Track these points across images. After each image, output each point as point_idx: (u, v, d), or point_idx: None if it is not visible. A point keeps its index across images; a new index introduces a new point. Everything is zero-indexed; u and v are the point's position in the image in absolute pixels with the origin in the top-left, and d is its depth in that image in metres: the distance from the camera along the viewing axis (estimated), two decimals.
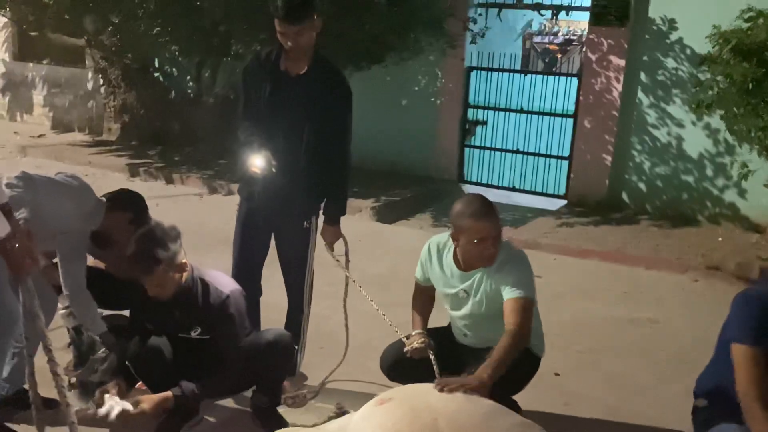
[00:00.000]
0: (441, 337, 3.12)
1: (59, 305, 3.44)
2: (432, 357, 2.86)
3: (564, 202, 7.93)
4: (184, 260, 3.05)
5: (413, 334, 3.02)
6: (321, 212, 3.63)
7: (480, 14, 8.02)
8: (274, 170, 3.29)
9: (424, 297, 3.23)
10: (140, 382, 3.23)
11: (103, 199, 3.36)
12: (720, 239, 6.57)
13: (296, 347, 3.70)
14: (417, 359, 2.94)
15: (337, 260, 3.61)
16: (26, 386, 3.29)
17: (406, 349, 2.96)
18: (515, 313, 2.76)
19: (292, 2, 3.17)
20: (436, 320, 3.31)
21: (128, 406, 2.92)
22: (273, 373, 3.18)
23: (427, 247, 3.18)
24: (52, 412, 3.24)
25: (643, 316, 4.93)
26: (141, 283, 3.03)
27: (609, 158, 7.59)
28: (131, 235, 3.18)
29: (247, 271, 3.62)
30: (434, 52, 8.09)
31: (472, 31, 8.00)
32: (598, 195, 7.63)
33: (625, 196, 7.64)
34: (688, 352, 4.27)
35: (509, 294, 2.81)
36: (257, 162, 3.30)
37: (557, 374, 3.97)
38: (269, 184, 3.38)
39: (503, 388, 2.71)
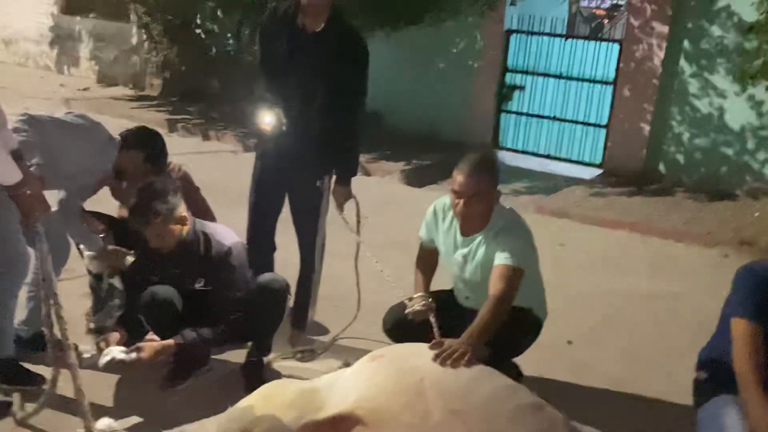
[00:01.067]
0: (444, 300, 3.13)
1: (85, 251, 3.54)
2: (433, 320, 2.88)
3: (600, 171, 7.80)
4: (184, 213, 3.11)
5: (415, 296, 3.03)
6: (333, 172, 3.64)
7: None
8: (284, 128, 3.30)
9: (427, 259, 3.23)
10: (150, 332, 3.31)
11: (117, 137, 3.38)
12: (757, 214, 6.40)
13: (308, 302, 3.77)
14: (419, 321, 2.96)
15: (346, 221, 3.62)
16: (43, 328, 3.43)
17: (407, 311, 2.98)
18: (500, 279, 2.76)
19: None
20: (441, 283, 3.32)
21: (123, 356, 2.99)
22: (266, 317, 3.21)
23: (432, 209, 3.17)
24: (65, 354, 3.37)
25: (666, 290, 4.87)
26: (144, 235, 3.10)
27: (647, 128, 7.42)
28: (146, 174, 3.28)
29: (261, 227, 3.68)
30: (473, 13, 7.95)
31: None
32: (635, 165, 7.49)
33: (661, 167, 7.48)
34: (708, 327, 4.18)
35: (499, 260, 2.81)
36: (267, 119, 3.33)
37: (570, 342, 3.96)
38: (282, 142, 3.40)
39: (500, 349, 2.73)
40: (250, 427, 2.07)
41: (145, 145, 3.46)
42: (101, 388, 3.21)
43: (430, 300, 2.99)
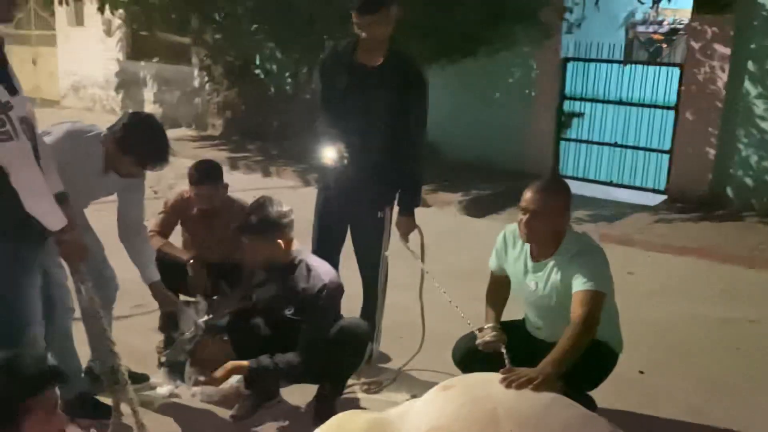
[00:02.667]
0: (514, 331, 3.07)
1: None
2: (504, 351, 2.83)
3: (664, 197, 7.63)
4: (283, 240, 3.17)
5: (485, 327, 2.98)
6: (396, 203, 3.66)
7: (577, 3, 7.82)
8: (345, 161, 3.35)
9: (498, 289, 3.19)
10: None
11: (100, 131, 3.17)
12: None
13: (373, 334, 3.76)
14: (489, 352, 2.92)
15: (412, 251, 3.63)
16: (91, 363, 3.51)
17: (477, 342, 2.93)
18: (582, 304, 2.68)
19: None
20: (512, 314, 3.28)
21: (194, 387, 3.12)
22: (344, 361, 3.20)
23: (502, 235, 3.14)
24: (140, 387, 3.44)
25: (739, 316, 4.70)
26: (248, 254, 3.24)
27: (712, 152, 7.24)
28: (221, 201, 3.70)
29: (325, 259, 3.69)
30: (528, 43, 7.95)
31: (567, 20, 7.82)
32: (700, 190, 7.30)
33: (729, 191, 7.27)
34: None
35: (578, 286, 2.73)
36: (329, 154, 3.37)
37: (641, 372, 3.85)
38: (344, 175, 3.45)
39: (576, 383, 2.66)
40: None
41: (219, 175, 3.79)
42: (170, 422, 3.27)
43: (501, 331, 2.94)
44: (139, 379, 3.51)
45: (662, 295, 5.10)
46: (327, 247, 3.72)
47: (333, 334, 3.13)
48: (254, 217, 3.14)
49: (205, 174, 3.86)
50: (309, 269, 3.19)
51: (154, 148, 3.08)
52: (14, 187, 2.46)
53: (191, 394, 3.42)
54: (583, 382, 2.87)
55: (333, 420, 2.27)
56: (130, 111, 3.29)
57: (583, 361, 2.64)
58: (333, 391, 3.27)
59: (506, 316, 3.22)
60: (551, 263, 2.89)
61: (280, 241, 3.14)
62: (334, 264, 3.74)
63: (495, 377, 2.34)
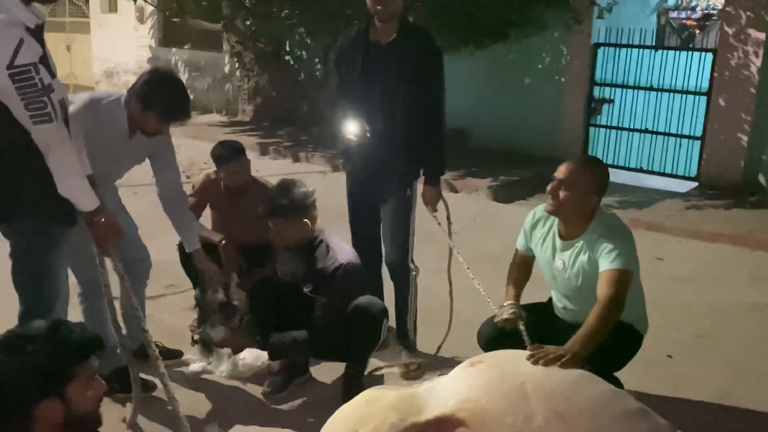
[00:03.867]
0: (540, 312, 3.10)
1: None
2: (522, 328, 2.84)
3: (695, 184, 7.57)
4: (307, 220, 3.26)
5: (505, 304, 3.01)
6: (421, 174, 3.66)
7: None
8: (368, 134, 3.39)
9: (521, 267, 3.20)
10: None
11: (120, 95, 3.18)
12: None
13: (407, 317, 3.79)
14: (513, 334, 2.93)
15: (439, 223, 3.65)
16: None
17: (496, 319, 2.96)
18: (609, 283, 2.68)
19: None
20: (537, 296, 3.30)
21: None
22: (360, 340, 3.26)
23: (532, 214, 3.14)
24: (174, 362, 3.54)
25: None
26: (274, 235, 3.33)
27: (745, 138, 7.16)
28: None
29: (363, 242, 3.75)
30: (559, 28, 7.90)
31: (599, 5, 7.75)
32: (732, 177, 7.23)
33: (761, 178, 7.19)
34: None
35: (605, 265, 2.73)
36: (351, 128, 3.42)
37: (670, 356, 3.85)
38: (368, 155, 3.49)
39: (601, 364, 2.67)
40: (356, 427, 2.11)
41: (244, 152, 3.94)
42: (202, 398, 3.35)
43: (519, 308, 2.96)
44: (173, 355, 3.60)
45: (692, 280, 5.08)
46: (363, 230, 3.77)
47: (348, 312, 3.20)
48: (279, 199, 3.23)
49: (234, 151, 3.98)
50: (328, 249, 3.26)
51: (176, 101, 3.09)
52: (48, 168, 2.50)
53: (222, 371, 3.51)
54: (608, 363, 2.86)
55: (362, 394, 2.32)
56: (149, 68, 3.28)
57: (608, 342, 2.64)
58: (357, 369, 3.34)
59: (532, 298, 3.24)
60: (579, 243, 2.89)
61: (306, 220, 3.23)
62: (375, 246, 3.79)
63: (523, 354, 2.37)
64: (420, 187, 3.69)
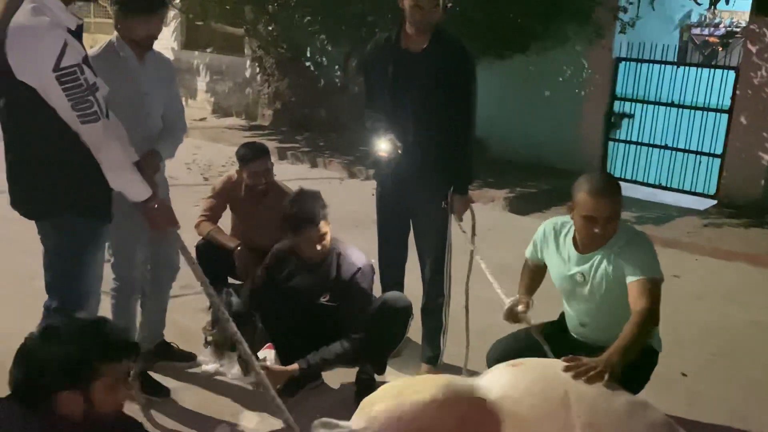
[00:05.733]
0: (553, 330, 3.05)
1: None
2: (540, 338, 2.79)
3: (713, 202, 7.51)
4: (329, 225, 3.27)
5: (517, 296, 3.01)
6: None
7: (631, 3, 7.73)
8: (399, 152, 3.34)
9: (533, 272, 3.16)
10: (269, 343, 3.43)
11: (109, 39, 3.12)
12: None
13: (440, 332, 3.70)
14: (527, 352, 2.81)
15: (464, 231, 3.57)
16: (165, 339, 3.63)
17: (505, 309, 2.98)
18: (641, 295, 2.62)
19: None
20: (547, 314, 3.26)
21: (252, 377, 3.13)
22: (386, 335, 3.26)
23: (543, 228, 3.07)
24: (188, 365, 3.55)
25: None
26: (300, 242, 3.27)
27: (766, 157, 7.14)
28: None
29: (390, 251, 3.73)
30: (580, 41, 7.89)
31: (621, 20, 7.73)
32: (753, 195, 7.17)
33: None
34: None
35: (635, 276, 2.67)
36: (382, 146, 3.36)
37: (684, 375, 3.81)
38: (400, 166, 3.42)
39: (624, 383, 2.63)
40: (403, 390, 2.15)
41: (268, 153, 4.01)
42: (214, 398, 3.37)
43: (532, 302, 2.96)
44: (186, 358, 3.61)
45: (708, 299, 5.03)
46: (392, 243, 3.73)
47: (375, 309, 3.20)
48: (306, 206, 3.22)
49: (258, 151, 4.03)
50: (340, 256, 3.26)
51: None
52: (85, 164, 2.52)
53: (234, 374, 3.50)
54: (630, 382, 2.79)
55: (399, 381, 2.32)
56: None
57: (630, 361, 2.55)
58: (375, 370, 3.34)
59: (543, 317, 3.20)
60: (598, 256, 2.82)
61: (324, 232, 3.23)
62: (402, 258, 3.77)
63: (557, 363, 2.34)
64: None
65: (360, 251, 3.42)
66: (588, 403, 2.12)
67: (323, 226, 3.22)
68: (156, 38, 3.09)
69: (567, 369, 2.26)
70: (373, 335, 3.21)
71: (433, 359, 3.69)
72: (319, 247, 3.24)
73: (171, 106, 3.26)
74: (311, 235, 3.21)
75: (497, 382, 2.22)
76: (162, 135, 3.17)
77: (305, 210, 3.20)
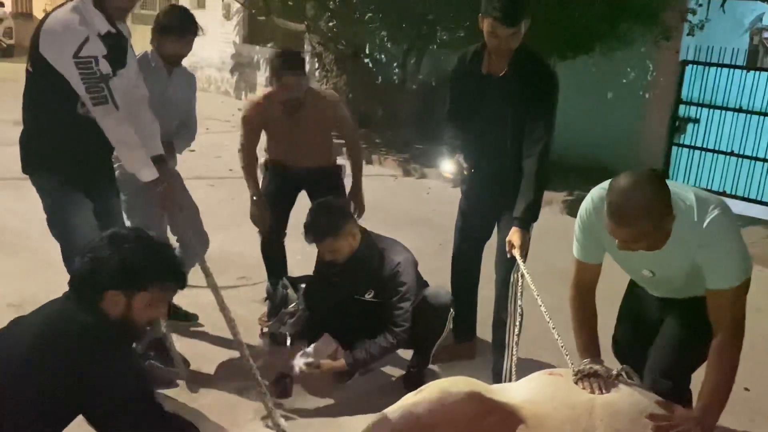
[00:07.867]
0: (629, 311, 2.87)
1: None
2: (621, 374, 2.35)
3: None
4: (355, 229, 3.31)
5: (585, 361, 2.41)
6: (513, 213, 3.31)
7: (701, 5, 7.52)
8: (466, 173, 3.37)
9: (585, 300, 2.63)
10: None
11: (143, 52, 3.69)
12: None
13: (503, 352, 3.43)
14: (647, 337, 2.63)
15: (520, 262, 3.22)
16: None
17: (578, 382, 2.30)
18: (717, 311, 2.28)
19: (510, 3, 3.06)
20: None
21: (302, 366, 3.27)
22: (427, 328, 3.35)
23: (589, 200, 2.49)
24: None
25: None
26: (323, 253, 3.37)
27: None
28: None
29: (465, 265, 3.74)
30: (646, 43, 7.70)
31: (690, 22, 7.52)
32: None
33: None
34: None
35: (715, 283, 2.27)
36: (449, 167, 3.39)
37: (747, 389, 3.69)
38: (486, 183, 3.44)
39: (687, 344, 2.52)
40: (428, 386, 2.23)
41: (303, 63, 3.80)
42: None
43: (602, 363, 2.42)
44: (190, 317, 3.95)
45: None
46: (471, 246, 3.72)
47: (416, 304, 3.28)
48: (320, 220, 3.27)
49: (290, 60, 3.73)
50: (381, 253, 3.32)
51: (176, 17, 3.65)
52: (68, 132, 3.01)
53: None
54: (694, 340, 2.53)
55: (434, 383, 2.32)
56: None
57: (702, 315, 2.35)
58: (420, 362, 3.41)
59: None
60: (666, 251, 2.36)
61: (354, 231, 3.30)
62: (475, 270, 3.76)
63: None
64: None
65: (402, 247, 3.45)
66: (614, 410, 2.13)
67: (331, 243, 3.26)
68: (185, 56, 3.70)
69: (657, 430, 2.07)
70: (415, 330, 3.29)
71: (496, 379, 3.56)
72: (330, 258, 3.33)
73: (189, 113, 3.89)
74: (319, 248, 3.34)
75: (526, 387, 2.28)
76: (178, 134, 3.79)
77: (313, 225, 3.28)
